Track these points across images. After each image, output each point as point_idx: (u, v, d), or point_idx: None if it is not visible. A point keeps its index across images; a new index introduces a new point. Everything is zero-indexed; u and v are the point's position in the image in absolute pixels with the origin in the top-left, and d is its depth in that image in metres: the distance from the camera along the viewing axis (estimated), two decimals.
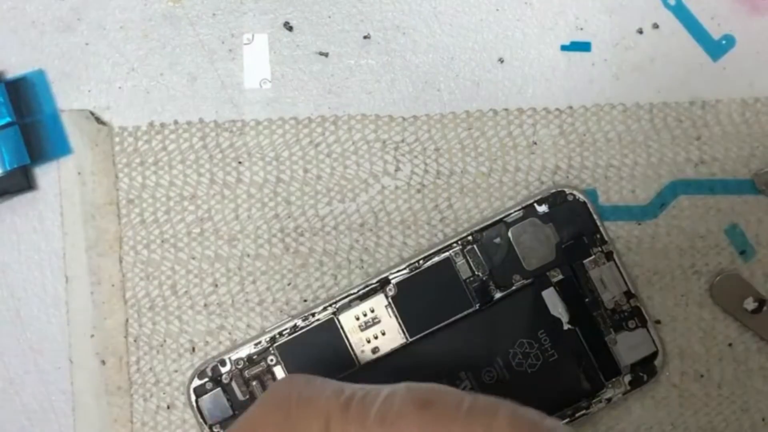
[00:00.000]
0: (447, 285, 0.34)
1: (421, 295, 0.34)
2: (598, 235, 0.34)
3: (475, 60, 0.37)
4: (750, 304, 0.36)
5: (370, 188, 0.37)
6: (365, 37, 0.38)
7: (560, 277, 0.34)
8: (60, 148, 0.37)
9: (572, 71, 0.37)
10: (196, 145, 0.37)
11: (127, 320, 0.37)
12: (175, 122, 0.37)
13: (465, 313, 0.34)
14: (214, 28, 0.38)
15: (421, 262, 0.34)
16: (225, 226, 0.37)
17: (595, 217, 0.34)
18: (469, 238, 0.34)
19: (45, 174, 0.37)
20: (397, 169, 0.37)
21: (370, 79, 0.37)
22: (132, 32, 0.38)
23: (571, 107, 0.37)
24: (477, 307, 0.34)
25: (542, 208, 0.34)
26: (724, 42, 0.37)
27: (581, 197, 0.34)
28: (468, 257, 0.34)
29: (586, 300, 0.34)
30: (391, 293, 0.34)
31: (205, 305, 0.37)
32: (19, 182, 0.37)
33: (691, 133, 0.37)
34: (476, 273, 0.34)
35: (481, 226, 0.35)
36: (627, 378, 0.34)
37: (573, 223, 0.34)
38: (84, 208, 0.37)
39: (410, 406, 0.24)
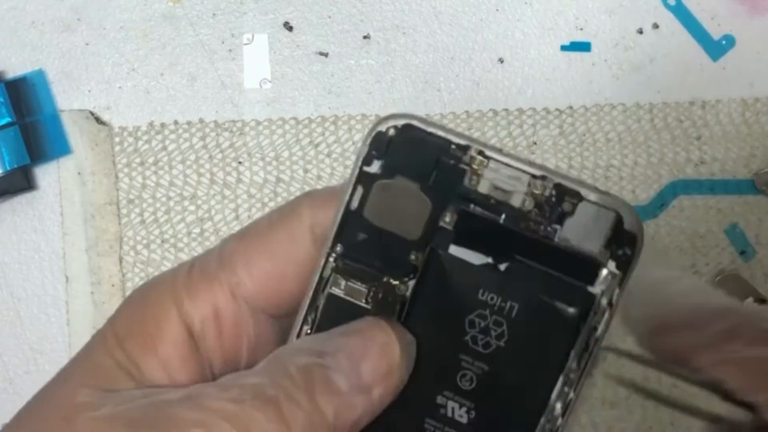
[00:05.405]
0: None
1: None
2: (469, 145, 0.20)
3: (475, 60, 0.37)
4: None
5: None
6: (365, 37, 0.38)
7: (455, 217, 0.21)
8: (60, 148, 0.37)
9: (572, 71, 0.37)
10: (196, 145, 0.37)
11: None
12: (175, 122, 0.37)
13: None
14: (214, 28, 0.38)
15: None
16: (225, 226, 0.37)
17: (438, 132, 0.20)
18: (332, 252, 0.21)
19: (45, 174, 0.37)
20: None
21: (370, 79, 0.37)
22: (132, 32, 0.38)
23: (571, 107, 0.37)
24: (396, 319, 0.21)
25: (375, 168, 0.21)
26: (724, 42, 0.37)
27: (416, 123, 0.20)
28: (343, 277, 0.21)
29: (501, 221, 0.21)
30: None
31: None
32: (19, 182, 0.36)
33: (691, 133, 0.37)
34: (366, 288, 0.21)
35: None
36: (611, 264, 0.21)
37: (414, 155, 0.21)
38: (84, 208, 0.37)
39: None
